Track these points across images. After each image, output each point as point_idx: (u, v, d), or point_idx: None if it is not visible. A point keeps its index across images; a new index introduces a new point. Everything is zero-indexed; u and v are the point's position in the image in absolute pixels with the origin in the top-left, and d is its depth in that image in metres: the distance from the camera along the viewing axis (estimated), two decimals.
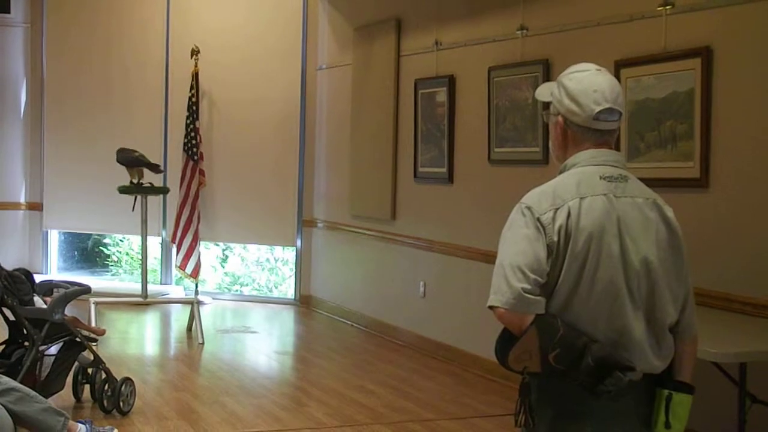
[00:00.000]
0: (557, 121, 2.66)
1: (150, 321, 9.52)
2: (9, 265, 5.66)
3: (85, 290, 5.82)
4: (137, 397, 5.90)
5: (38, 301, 5.47)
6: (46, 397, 5.01)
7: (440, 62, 7.72)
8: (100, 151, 9.91)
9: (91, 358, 5.75)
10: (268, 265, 11.31)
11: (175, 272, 10.20)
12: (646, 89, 5.46)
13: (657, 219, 2.59)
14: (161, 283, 10.63)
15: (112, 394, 5.68)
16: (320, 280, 9.99)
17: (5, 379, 4.75)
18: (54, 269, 11.23)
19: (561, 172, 2.65)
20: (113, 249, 12.00)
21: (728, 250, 5.01)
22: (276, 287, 11.14)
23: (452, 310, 7.56)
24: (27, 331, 5.32)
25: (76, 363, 5.76)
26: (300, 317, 9.71)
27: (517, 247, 2.50)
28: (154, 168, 8.33)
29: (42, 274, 10.47)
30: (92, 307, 7.94)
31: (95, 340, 5.88)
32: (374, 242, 8.81)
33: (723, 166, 5.05)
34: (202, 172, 9.65)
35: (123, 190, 8.28)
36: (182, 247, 9.54)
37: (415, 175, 8.11)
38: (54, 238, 11.32)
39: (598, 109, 2.58)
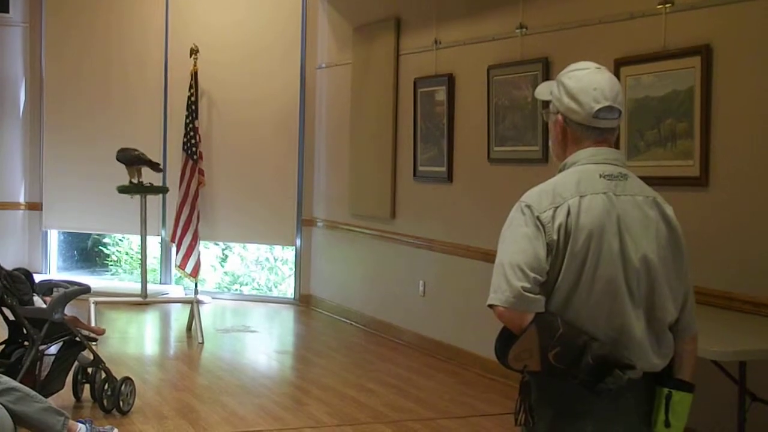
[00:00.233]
0: (557, 119, 2.66)
1: (150, 320, 9.51)
2: (8, 265, 5.66)
3: (85, 290, 5.82)
4: (137, 396, 5.90)
5: (38, 301, 5.47)
6: (46, 396, 5.01)
7: (440, 61, 7.72)
8: (100, 150, 9.91)
9: (91, 357, 5.75)
10: (267, 265, 11.31)
11: (175, 272, 10.19)
12: (645, 88, 5.46)
13: (657, 217, 2.59)
14: (161, 283, 10.63)
15: (111, 393, 5.68)
16: (320, 280, 9.99)
17: (5, 378, 4.75)
18: (53, 269, 11.22)
19: (561, 171, 2.64)
20: (113, 248, 12.00)
21: (728, 248, 5.01)
22: (276, 286, 11.14)
23: (452, 309, 7.56)
24: (27, 330, 5.32)
25: (76, 362, 5.76)
26: (300, 316, 9.71)
27: (517, 245, 2.50)
28: (155, 166, 8.33)
29: (41, 273, 10.47)
30: (92, 306, 7.94)
31: (95, 340, 5.88)
32: (374, 241, 8.80)
33: (723, 164, 5.05)
34: (201, 172, 9.64)
35: (122, 189, 8.28)
36: (182, 247, 9.54)
37: (414, 174, 8.11)
38: (53, 237, 11.32)
39: (597, 107, 2.57)
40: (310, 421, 5.79)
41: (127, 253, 11.93)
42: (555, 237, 2.50)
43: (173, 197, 9.66)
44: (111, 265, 11.95)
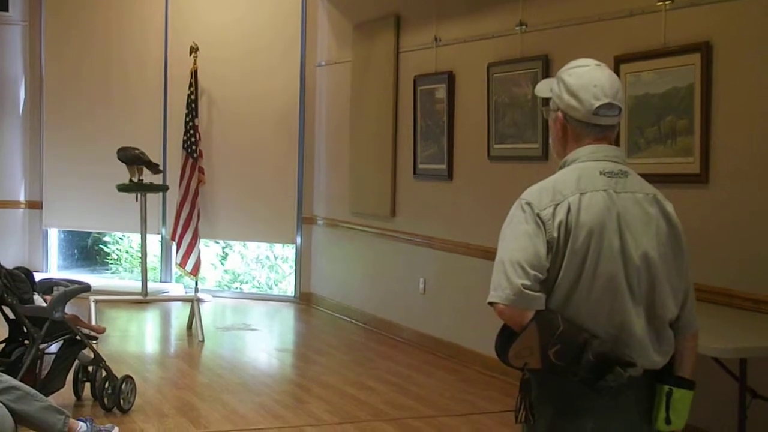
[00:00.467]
0: (557, 116, 2.66)
1: (150, 319, 9.51)
2: (9, 264, 5.66)
3: (85, 288, 5.82)
4: (137, 395, 5.90)
5: (38, 300, 5.47)
6: (47, 395, 5.01)
7: (439, 58, 7.72)
8: (100, 149, 9.92)
9: (92, 356, 5.75)
10: (268, 263, 11.31)
11: (175, 270, 10.19)
12: (645, 85, 5.45)
13: (657, 214, 2.58)
14: (161, 281, 10.63)
15: (112, 392, 5.68)
16: (320, 278, 9.99)
17: (5, 377, 4.75)
18: (54, 267, 11.22)
19: (561, 168, 2.64)
20: (113, 247, 11.99)
21: (728, 245, 5.01)
22: (276, 284, 11.14)
23: (452, 306, 7.56)
24: (27, 329, 5.32)
25: (77, 361, 5.76)
26: (300, 314, 9.71)
27: (517, 243, 2.50)
28: (153, 167, 8.32)
29: (42, 272, 10.47)
30: (92, 305, 7.94)
31: (95, 338, 5.88)
32: (374, 239, 8.80)
33: (723, 161, 5.05)
34: (201, 170, 9.64)
35: (122, 188, 8.28)
36: (182, 245, 9.54)
37: (414, 172, 8.11)
38: (54, 236, 11.32)
39: (597, 104, 2.57)
40: (310, 419, 5.79)
41: (127, 252, 11.93)
42: (555, 234, 2.49)
43: (173, 195, 9.66)
44: (111, 263, 11.95)
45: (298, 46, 10.07)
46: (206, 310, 9.38)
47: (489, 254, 6.29)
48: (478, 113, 7.12)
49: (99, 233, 11.72)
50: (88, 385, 5.92)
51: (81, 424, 4.88)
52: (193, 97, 9.66)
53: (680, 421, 2.59)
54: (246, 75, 10.09)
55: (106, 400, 5.69)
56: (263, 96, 10.05)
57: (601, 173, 2.57)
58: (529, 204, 2.54)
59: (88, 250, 12.00)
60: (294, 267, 10.39)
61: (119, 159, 8.25)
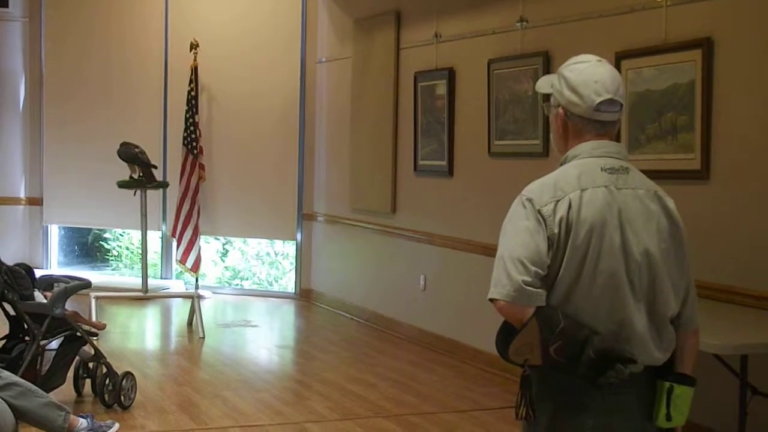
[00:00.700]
0: (558, 112, 2.65)
1: (150, 315, 9.52)
2: (9, 260, 5.65)
3: (86, 285, 5.82)
4: (138, 391, 5.89)
5: (39, 296, 5.47)
6: (47, 391, 5.01)
7: (440, 55, 7.71)
8: (100, 145, 9.91)
9: (92, 352, 5.75)
10: (268, 259, 11.30)
11: (176, 266, 10.19)
12: (646, 81, 5.45)
13: (658, 210, 2.58)
14: (161, 278, 10.63)
15: (113, 388, 5.68)
16: (320, 274, 9.98)
17: (6, 373, 4.75)
18: (54, 264, 11.23)
19: (562, 164, 2.64)
20: (113, 243, 12.00)
21: (729, 241, 5.00)
22: (276, 281, 11.14)
23: (453, 303, 7.56)
24: (28, 325, 5.33)
25: (77, 357, 5.76)
26: (300, 311, 9.71)
27: (518, 239, 2.49)
28: (149, 168, 8.22)
29: (42, 269, 10.47)
30: (93, 301, 7.94)
31: (96, 335, 5.88)
32: (374, 236, 8.80)
33: (724, 157, 5.04)
34: (201, 167, 9.64)
35: (122, 184, 8.27)
36: (182, 242, 9.55)
37: (415, 168, 8.10)
38: (54, 233, 11.32)
39: (598, 100, 2.57)
40: (311, 416, 5.79)
41: (127, 248, 11.94)
42: (556, 231, 2.49)
43: (174, 192, 9.66)
44: (112, 260, 11.96)
45: (298, 42, 10.06)
46: (207, 307, 9.38)
47: (489, 250, 6.28)
48: (479, 109, 7.12)
49: (99, 230, 11.73)
50: (88, 381, 5.92)
51: (81, 420, 4.89)
52: (193, 93, 9.66)
53: (681, 418, 2.58)
54: (246, 71, 10.08)
55: (106, 397, 5.69)
56: (264, 92, 10.05)
57: (602, 169, 2.56)
58: (530, 200, 2.53)
59: (88, 247, 12.01)
60: (294, 263, 10.39)
61: (118, 155, 8.24)
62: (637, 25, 5.63)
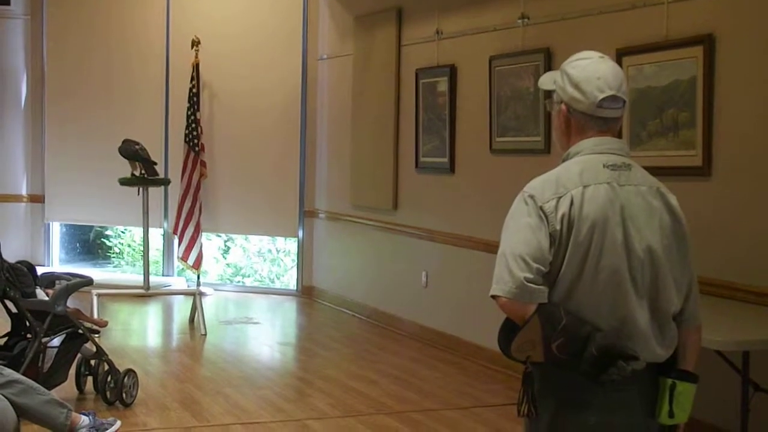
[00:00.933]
0: (560, 109, 2.65)
1: (152, 312, 9.52)
2: (11, 258, 5.65)
3: (87, 282, 5.82)
4: (140, 388, 5.89)
5: (40, 294, 5.47)
6: (49, 389, 5.01)
7: (441, 52, 7.71)
8: (101, 142, 9.91)
9: (94, 349, 5.76)
10: (269, 256, 11.31)
11: (177, 263, 10.19)
12: (647, 77, 5.44)
13: (661, 207, 2.58)
14: (163, 275, 10.62)
15: (114, 385, 5.68)
16: (322, 271, 9.98)
17: (8, 371, 4.75)
18: (56, 261, 11.23)
19: (564, 160, 2.63)
20: (115, 241, 12.01)
21: (731, 238, 5.00)
22: (278, 278, 11.14)
23: (454, 300, 7.56)
24: (29, 323, 5.33)
25: (79, 355, 5.76)
26: (302, 308, 9.71)
27: (520, 236, 2.49)
28: (150, 165, 8.21)
29: (44, 266, 10.47)
30: (94, 298, 7.94)
31: (98, 332, 5.88)
32: (376, 232, 8.80)
33: (725, 154, 5.04)
34: (203, 164, 9.63)
35: (124, 181, 8.27)
36: (184, 239, 9.54)
37: (416, 165, 8.10)
38: (56, 230, 11.32)
39: (601, 96, 2.56)
40: (312, 413, 5.79)
41: (129, 245, 11.94)
42: (558, 227, 2.49)
43: (175, 189, 9.65)
44: (113, 257, 11.97)
45: (299, 39, 10.05)
46: (208, 304, 9.39)
47: (491, 247, 6.28)
48: (480, 106, 7.11)
49: (101, 227, 11.74)
50: (90, 378, 5.92)
51: (83, 417, 4.89)
52: (194, 90, 9.65)
53: (683, 415, 2.58)
54: (247, 68, 10.08)
55: (108, 394, 5.69)
56: (265, 89, 10.04)
57: (604, 166, 2.56)
58: (532, 197, 2.53)
59: (90, 244, 12.02)
60: (296, 260, 10.39)
61: (120, 152, 8.24)
62: (638, 22, 5.62)
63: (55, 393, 5.04)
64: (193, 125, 9.59)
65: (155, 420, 5.56)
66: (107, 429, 4.98)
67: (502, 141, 6.94)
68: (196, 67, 9.67)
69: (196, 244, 9.52)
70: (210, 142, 9.98)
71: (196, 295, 8.42)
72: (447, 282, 7.69)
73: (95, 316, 7.38)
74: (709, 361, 3.96)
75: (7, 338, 5.50)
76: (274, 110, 10.07)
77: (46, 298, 5.42)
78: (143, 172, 8.22)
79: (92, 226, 11.73)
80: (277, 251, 11.21)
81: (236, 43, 10.10)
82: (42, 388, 4.80)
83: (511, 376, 6.36)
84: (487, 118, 7.02)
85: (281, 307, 9.83)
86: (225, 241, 11.33)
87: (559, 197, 2.51)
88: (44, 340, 5.30)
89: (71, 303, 5.65)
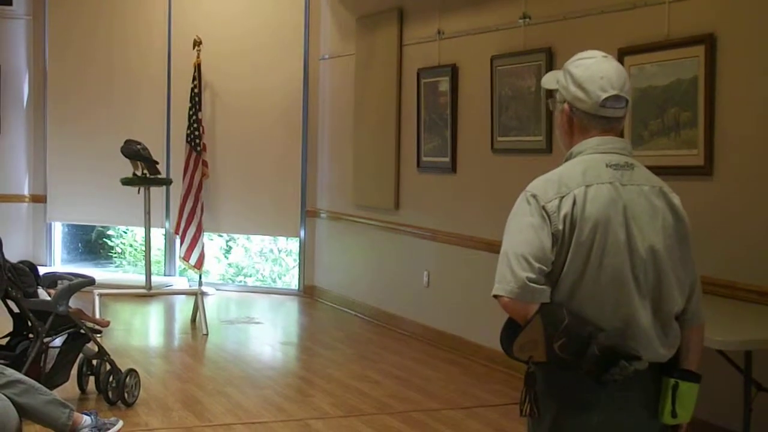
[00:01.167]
0: (563, 108, 2.64)
1: (154, 312, 9.52)
2: (13, 258, 5.66)
3: (89, 282, 5.82)
4: (142, 388, 5.90)
5: (42, 294, 5.47)
6: (51, 389, 5.01)
7: (443, 51, 7.70)
8: (103, 142, 9.93)
9: (96, 349, 5.76)
10: (271, 256, 11.31)
11: (179, 263, 10.20)
12: (649, 77, 5.44)
13: (663, 207, 2.58)
14: (165, 275, 10.63)
15: (116, 385, 5.68)
16: (324, 271, 9.99)
17: (10, 371, 4.75)
18: (58, 261, 11.23)
19: (566, 160, 2.63)
20: (117, 240, 12.01)
21: (733, 237, 5.00)
22: (280, 278, 11.15)
23: (456, 299, 7.56)
24: (31, 323, 5.33)
25: (81, 355, 5.76)
26: (304, 308, 9.71)
27: (522, 235, 2.49)
28: (152, 164, 8.22)
29: (46, 266, 10.48)
30: (96, 298, 7.94)
31: (100, 332, 5.88)
32: (378, 232, 8.80)
33: (727, 153, 5.04)
34: (205, 163, 9.63)
35: (126, 181, 8.28)
36: (186, 239, 9.54)
37: (418, 165, 8.10)
38: (58, 230, 11.33)
39: (604, 95, 2.56)
40: (314, 413, 5.79)
41: (131, 245, 11.94)
42: (560, 227, 2.49)
43: (177, 189, 9.66)
44: (115, 257, 11.97)
45: (301, 39, 10.05)
46: (210, 304, 9.39)
47: (493, 247, 6.28)
48: (482, 106, 7.11)
49: (103, 227, 11.74)
50: (92, 378, 5.92)
51: (85, 417, 4.89)
52: (196, 90, 9.65)
53: (686, 414, 2.58)
54: (249, 68, 10.08)
55: (110, 394, 5.70)
56: (266, 89, 10.05)
57: (607, 165, 2.56)
58: (534, 196, 2.53)
59: (92, 244, 12.02)
60: (298, 260, 10.40)
61: (122, 152, 8.25)
62: (639, 21, 5.62)
63: (57, 393, 5.03)
64: (195, 125, 9.59)
65: (157, 420, 5.56)
66: (109, 429, 4.98)
67: (503, 141, 6.94)
68: (197, 67, 9.67)
69: (197, 244, 9.52)
70: (212, 142, 9.98)
71: (197, 295, 8.42)
72: (449, 282, 7.69)
73: (97, 316, 7.38)
74: (712, 361, 3.96)
75: (9, 338, 5.50)
76: (276, 110, 10.07)
77: (48, 298, 5.42)
78: (145, 172, 8.22)
79: (94, 226, 11.73)
80: (279, 251, 11.21)
81: (238, 43, 10.10)
82: (44, 388, 4.80)
83: (513, 375, 6.36)
84: (489, 117, 7.02)
85: (283, 306, 9.83)
86: (227, 241, 11.33)
87: (562, 197, 2.51)
88: (46, 340, 5.30)
89: (73, 303, 5.65)
